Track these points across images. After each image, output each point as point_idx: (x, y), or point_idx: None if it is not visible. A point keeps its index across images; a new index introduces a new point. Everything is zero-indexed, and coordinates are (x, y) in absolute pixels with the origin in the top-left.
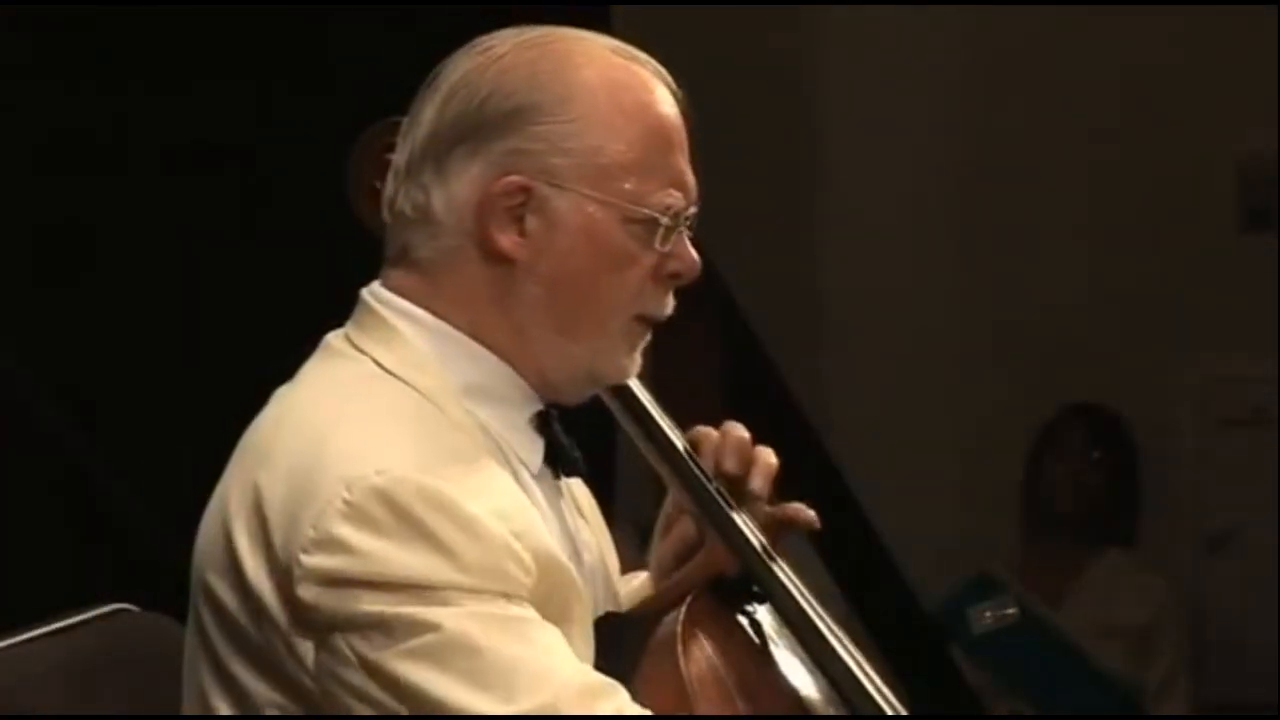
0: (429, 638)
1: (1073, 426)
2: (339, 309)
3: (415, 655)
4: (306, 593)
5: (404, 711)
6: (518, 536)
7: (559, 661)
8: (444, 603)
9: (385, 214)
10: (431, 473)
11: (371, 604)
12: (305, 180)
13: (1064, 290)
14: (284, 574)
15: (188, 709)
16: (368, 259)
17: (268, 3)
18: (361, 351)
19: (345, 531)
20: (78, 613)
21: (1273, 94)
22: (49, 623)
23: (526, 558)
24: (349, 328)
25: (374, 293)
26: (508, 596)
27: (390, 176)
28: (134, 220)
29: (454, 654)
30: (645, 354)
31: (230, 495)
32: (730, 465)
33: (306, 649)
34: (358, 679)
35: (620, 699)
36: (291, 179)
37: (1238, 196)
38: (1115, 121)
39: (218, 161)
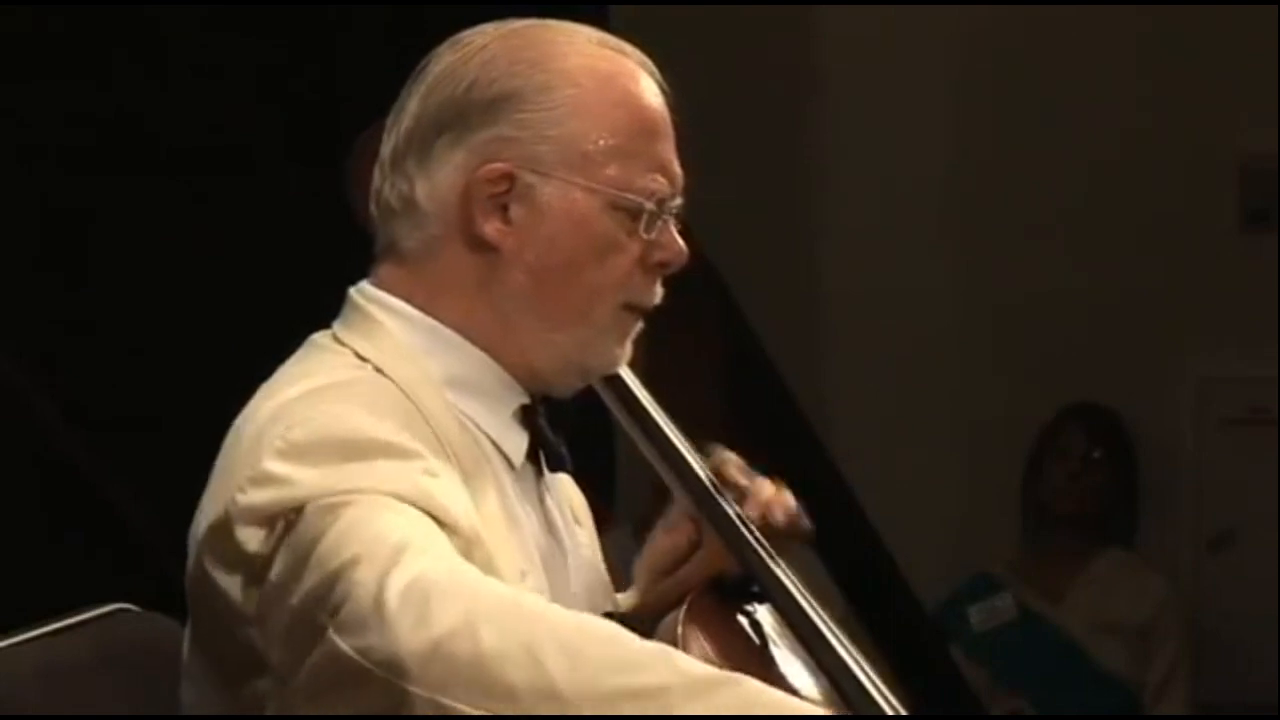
0: (333, 516)
1: (1073, 427)
2: (339, 308)
3: (318, 537)
4: (241, 534)
5: (302, 607)
6: (456, 498)
7: (430, 536)
8: (360, 495)
9: (372, 207)
10: (377, 420)
11: (292, 518)
12: (305, 181)
13: (1064, 290)
14: (225, 525)
15: (187, 710)
16: (367, 259)
17: (272, 3)
18: (344, 345)
19: (276, 465)
20: (78, 613)
21: (1273, 94)
22: (50, 623)
23: (463, 508)
24: (336, 325)
25: (361, 290)
26: (432, 518)
27: (376, 170)
28: (134, 221)
29: (344, 523)
30: (645, 355)
31: (210, 488)
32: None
33: (245, 594)
34: (283, 604)
35: (464, 564)
36: (291, 180)
37: (1238, 196)
38: (1115, 121)
39: (218, 162)
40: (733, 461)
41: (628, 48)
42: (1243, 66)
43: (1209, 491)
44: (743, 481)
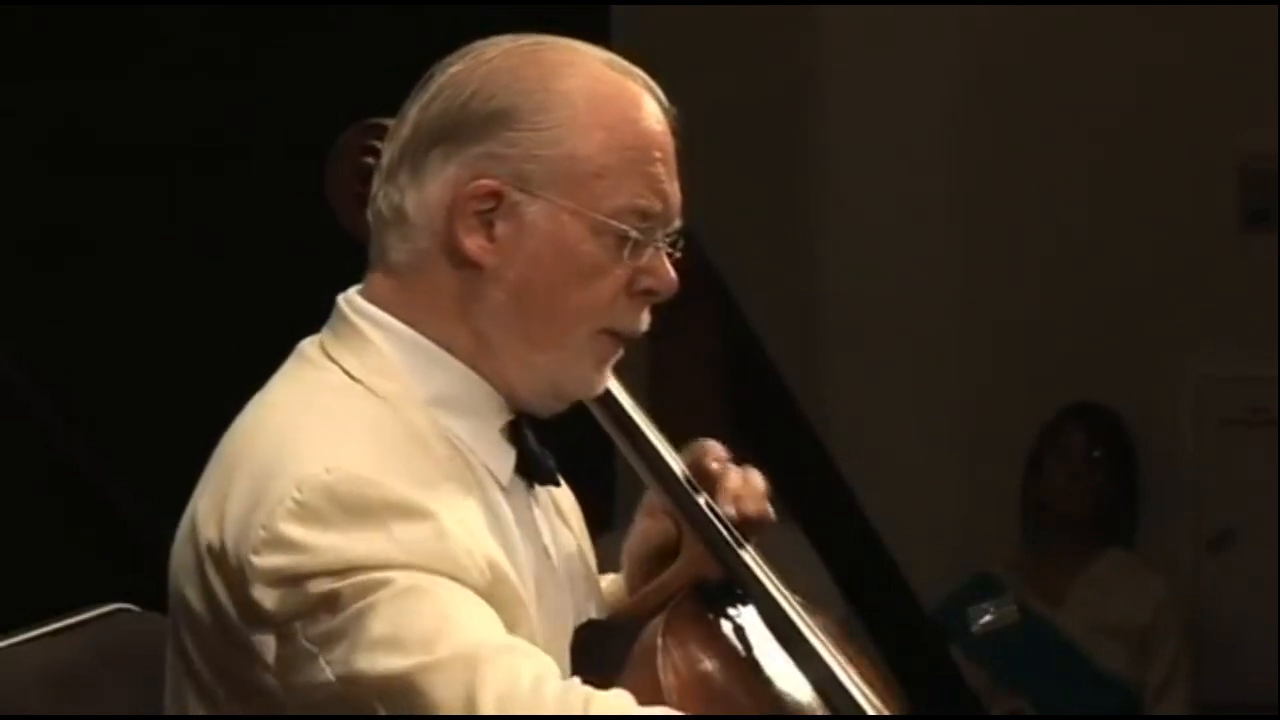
0: (370, 598)
1: (1072, 427)
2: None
3: (358, 617)
4: (259, 593)
5: (350, 687)
6: (469, 537)
7: (489, 625)
8: (391, 572)
9: (368, 214)
10: (385, 473)
11: (320, 588)
12: (304, 180)
13: (1063, 290)
14: (238, 577)
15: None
16: (364, 260)
17: (272, 3)
18: (332, 360)
19: (292, 529)
20: (78, 613)
21: (1273, 94)
22: (50, 623)
23: (479, 557)
24: (324, 334)
25: (349, 300)
26: (455, 579)
27: (375, 176)
28: (133, 220)
29: (389, 608)
30: (647, 355)
31: (199, 505)
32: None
33: (268, 650)
34: (313, 667)
35: (543, 665)
36: (289, 179)
37: (1238, 196)
38: (1115, 121)
39: (217, 162)
40: (712, 452)
41: (635, 71)
42: (1243, 66)
43: (1209, 491)
44: (715, 469)
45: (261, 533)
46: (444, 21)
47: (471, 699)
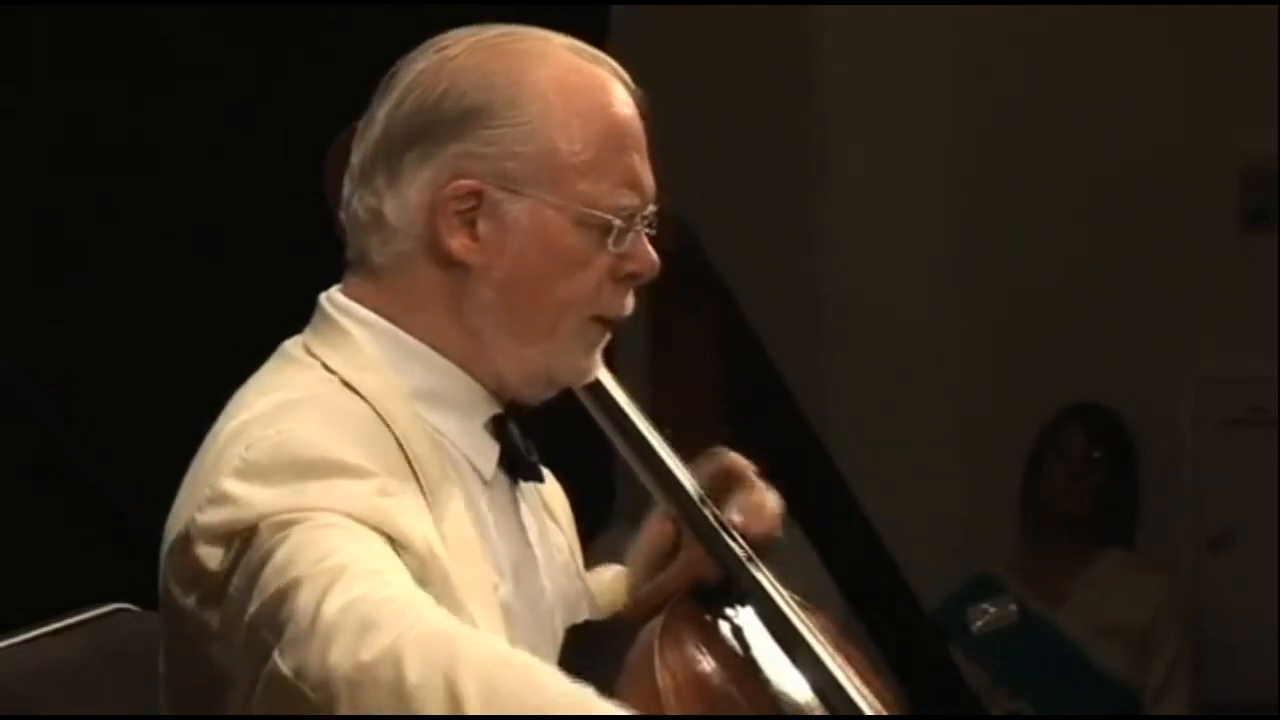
0: (285, 532)
1: (1073, 427)
2: None
3: (270, 552)
4: (201, 552)
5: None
6: (411, 509)
7: (381, 557)
8: (314, 513)
9: (342, 216)
10: (338, 442)
11: (250, 536)
12: (304, 180)
13: (1063, 290)
14: (183, 542)
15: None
16: None
17: (272, 3)
18: (313, 356)
19: (234, 485)
20: (78, 613)
21: (1273, 94)
22: (49, 623)
23: (419, 526)
24: (306, 333)
25: (331, 299)
26: (386, 536)
27: (346, 179)
28: (133, 220)
29: (296, 539)
30: (648, 356)
31: (175, 502)
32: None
33: (214, 617)
34: (239, 622)
35: (405, 589)
36: (289, 180)
37: (1238, 196)
38: (1115, 121)
39: (216, 162)
40: (736, 462)
41: (602, 56)
42: (1243, 66)
43: (1209, 491)
44: (745, 480)
45: (207, 491)
46: (444, 21)
47: (319, 604)
